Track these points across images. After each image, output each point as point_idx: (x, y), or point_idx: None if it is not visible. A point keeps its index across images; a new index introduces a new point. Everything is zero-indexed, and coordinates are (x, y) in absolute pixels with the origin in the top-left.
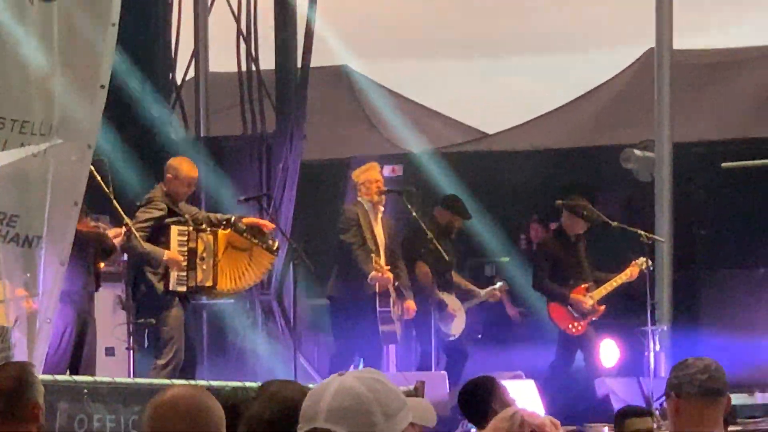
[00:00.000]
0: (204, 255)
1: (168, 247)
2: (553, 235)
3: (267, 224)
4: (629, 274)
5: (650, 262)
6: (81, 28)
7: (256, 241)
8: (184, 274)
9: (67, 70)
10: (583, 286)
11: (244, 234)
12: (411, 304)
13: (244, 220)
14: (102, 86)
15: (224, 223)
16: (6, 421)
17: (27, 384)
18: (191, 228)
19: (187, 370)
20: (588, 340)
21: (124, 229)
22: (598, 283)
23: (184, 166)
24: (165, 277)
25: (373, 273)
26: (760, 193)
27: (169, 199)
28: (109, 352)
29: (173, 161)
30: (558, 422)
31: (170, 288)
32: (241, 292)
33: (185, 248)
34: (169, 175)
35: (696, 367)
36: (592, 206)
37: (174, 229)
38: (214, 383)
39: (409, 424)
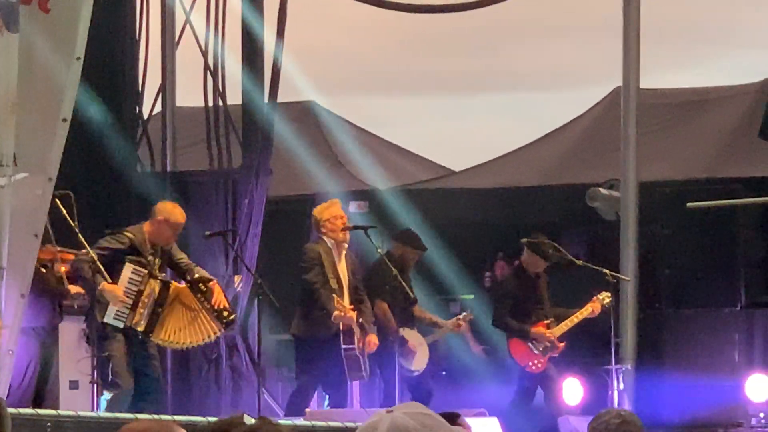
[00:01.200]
0: (146, 300)
1: (116, 281)
2: (513, 272)
3: (222, 301)
4: (590, 309)
5: (611, 298)
6: (43, 61)
7: (208, 306)
8: (126, 311)
9: (26, 102)
10: (543, 322)
11: (199, 296)
12: (373, 338)
13: (212, 284)
14: (64, 119)
15: (190, 279)
16: None
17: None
18: (147, 271)
19: (152, 404)
20: (548, 378)
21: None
22: (559, 319)
23: (176, 212)
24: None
25: (336, 313)
26: (725, 234)
27: (147, 239)
28: (73, 385)
29: (166, 205)
30: None
31: (104, 319)
32: (177, 347)
33: (135, 288)
34: (160, 217)
35: (609, 414)
36: (555, 246)
37: (129, 267)
38: (179, 418)
39: None
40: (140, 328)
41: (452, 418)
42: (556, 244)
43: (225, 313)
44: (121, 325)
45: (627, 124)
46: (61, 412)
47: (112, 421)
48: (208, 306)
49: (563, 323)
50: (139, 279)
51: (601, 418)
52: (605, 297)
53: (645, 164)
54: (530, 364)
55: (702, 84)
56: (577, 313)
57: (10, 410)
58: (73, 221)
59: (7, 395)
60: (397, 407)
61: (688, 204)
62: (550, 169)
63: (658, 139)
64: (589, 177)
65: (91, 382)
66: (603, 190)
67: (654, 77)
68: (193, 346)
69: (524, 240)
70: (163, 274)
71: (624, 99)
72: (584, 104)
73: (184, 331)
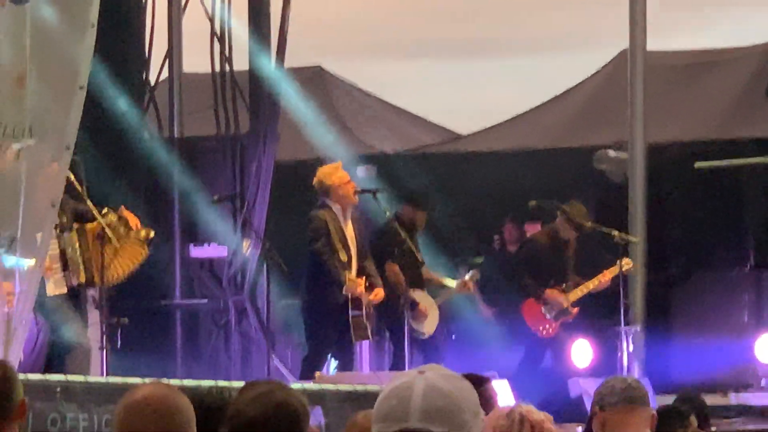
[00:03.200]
0: (72, 255)
1: None
2: (545, 233)
3: (134, 220)
4: (607, 276)
5: (631, 264)
6: (56, 30)
7: (124, 232)
8: (61, 275)
9: (41, 72)
10: (559, 286)
11: (111, 226)
12: (379, 291)
13: (120, 211)
14: (81, 87)
15: (97, 214)
16: None
17: (14, 381)
18: (57, 229)
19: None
20: (557, 340)
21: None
22: (576, 286)
23: None
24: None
25: (346, 287)
26: (734, 194)
27: None
28: None
29: None
30: (551, 417)
31: (50, 293)
32: (114, 282)
33: (57, 251)
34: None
35: (616, 380)
36: (586, 214)
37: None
38: (187, 382)
39: None
40: (82, 279)
41: (481, 382)
42: (585, 212)
43: (143, 233)
44: (65, 290)
45: (634, 86)
46: (71, 377)
47: (121, 387)
48: (124, 232)
49: (578, 288)
50: (55, 240)
51: (608, 384)
52: (626, 263)
53: (653, 126)
54: (541, 328)
55: (709, 45)
56: (594, 279)
57: (19, 376)
58: (81, 187)
59: (20, 362)
60: (427, 368)
61: (696, 164)
62: (557, 132)
63: (665, 100)
64: (597, 139)
65: (100, 348)
66: (611, 153)
67: (661, 39)
68: (126, 276)
69: (533, 202)
70: (74, 223)
71: (631, 61)
72: (592, 67)
73: (114, 265)
